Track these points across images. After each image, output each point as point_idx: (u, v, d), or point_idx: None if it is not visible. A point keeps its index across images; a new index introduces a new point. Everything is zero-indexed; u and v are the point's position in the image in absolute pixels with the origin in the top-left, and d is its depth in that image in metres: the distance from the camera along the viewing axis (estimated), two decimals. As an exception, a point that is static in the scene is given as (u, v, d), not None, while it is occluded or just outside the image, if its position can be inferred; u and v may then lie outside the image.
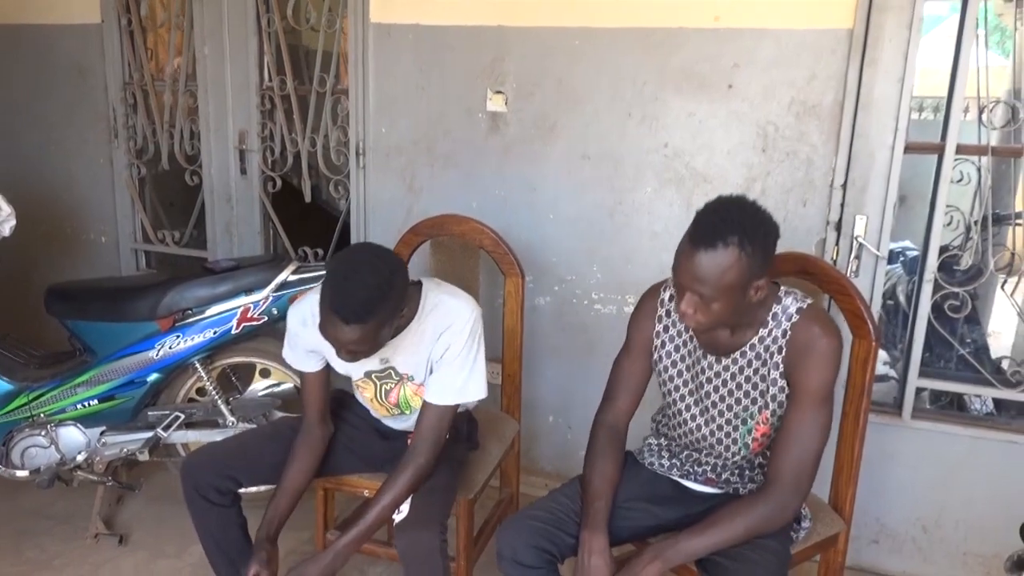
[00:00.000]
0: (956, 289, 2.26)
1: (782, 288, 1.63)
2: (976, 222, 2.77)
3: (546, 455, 2.84)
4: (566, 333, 2.72)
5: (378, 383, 1.93)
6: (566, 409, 2.80)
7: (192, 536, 2.47)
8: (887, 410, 2.41)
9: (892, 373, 2.92)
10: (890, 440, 2.39)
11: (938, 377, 2.43)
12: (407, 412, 1.94)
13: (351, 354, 1.69)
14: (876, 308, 2.34)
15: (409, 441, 1.87)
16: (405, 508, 1.78)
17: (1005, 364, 2.38)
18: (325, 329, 1.64)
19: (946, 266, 2.38)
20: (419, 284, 1.84)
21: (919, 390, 2.38)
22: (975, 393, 2.42)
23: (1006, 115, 2.20)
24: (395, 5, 2.66)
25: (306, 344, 1.88)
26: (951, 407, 2.73)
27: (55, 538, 2.52)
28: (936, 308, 2.32)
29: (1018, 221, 2.76)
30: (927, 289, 2.27)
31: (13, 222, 2.40)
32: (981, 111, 2.18)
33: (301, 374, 1.95)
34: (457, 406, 1.84)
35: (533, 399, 2.74)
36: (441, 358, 1.80)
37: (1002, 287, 2.29)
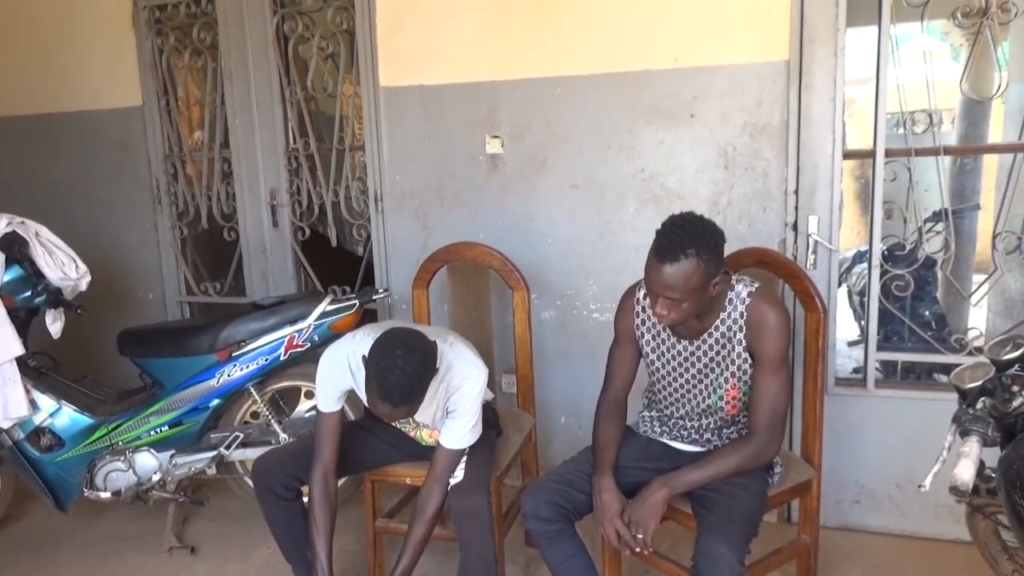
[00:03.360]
0: (900, 271, 2.63)
1: (733, 276, 1.97)
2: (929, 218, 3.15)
3: (561, 452, 3.14)
4: (570, 341, 3.08)
5: (399, 425, 2.30)
6: (576, 409, 3.13)
7: (254, 543, 2.85)
8: (855, 382, 2.75)
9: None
10: (860, 409, 2.72)
11: (896, 350, 2.77)
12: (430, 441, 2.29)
13: (396, 419, 2.03)
14: (834, 294, 2.70)
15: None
16: (460, 474, 2.14)
17: (952, 336, 2.73)
18: (376, 408, 1.92)
19: (895, 255, 2.75)
20: (434, 345, 2.03)
21: (884, 363, 2.73)
22: (926, 361, 2.75)
23: (925, 122, 2.59)
24: (401, 70, 3.09)
25: (340, 386, 2.15)
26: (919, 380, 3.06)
27: (134, 553, 2.85)
28: (888, 292, 2.68)
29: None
30: (875, 275, 2.63)
31: (88, 278, 2.79)
32: (904, 121, 2.58)
33: (323, 416, 2.17)
34: (464, 449, 2.15)
35: (547, 403, 3.08)
36: (451, 413, 2.12)
37: (940, 267, 2.65)
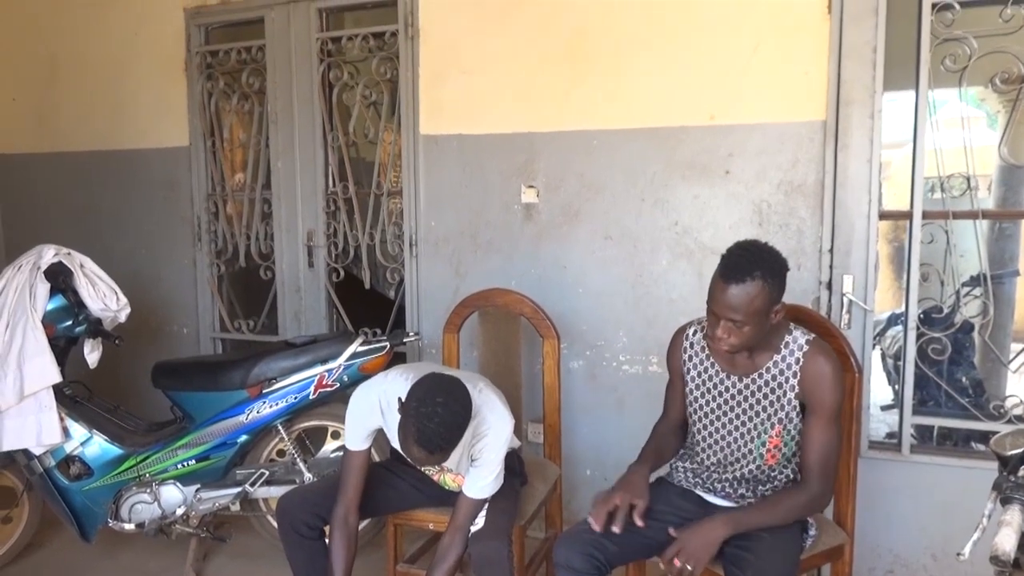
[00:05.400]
0: (937, 335, 2.59)
1: (791, 322, 1.98)
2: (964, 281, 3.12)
3: (585, 505, 3.09)
4: (598, 393, 3.06)
5: (423, 469, 2.28)
6: (601, 463, 3.09)
7: (272, 583, 2.80)
8: (889, 446, 2.69)
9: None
10: (894, 475, 2.66)
11: (932, 415, 2.72)
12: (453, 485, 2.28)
13: (428, 465, 2.03)
14: (868, 354, 2.67)
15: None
16: (480, 521, 2.11)
17: (990, 403, 2.67)
18: (409, 453, 1.92)
19: (932, 318, 2.72)
20: (469, 393, 2.01)
21: (919, 428, 2.67)
22: (964, 427, 2.69)
23: (962, 186, 2.58)
24: (441, 119, 3.17)
25: (369, 425, 2.18)
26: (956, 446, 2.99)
27: (153, 589, 2.85)
28: (924, 355, 2.64)
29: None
30: (911, 336, 2.60)
31: (128, 310, 2.85)
32: (941, 184, 2.58)
33: (350, 454, 2.18)
34: (486, 498, 2.14)
35: (572, 455, 3.05)
36: (475, 462, 2.12)
37: (979, 331, 2.61)
